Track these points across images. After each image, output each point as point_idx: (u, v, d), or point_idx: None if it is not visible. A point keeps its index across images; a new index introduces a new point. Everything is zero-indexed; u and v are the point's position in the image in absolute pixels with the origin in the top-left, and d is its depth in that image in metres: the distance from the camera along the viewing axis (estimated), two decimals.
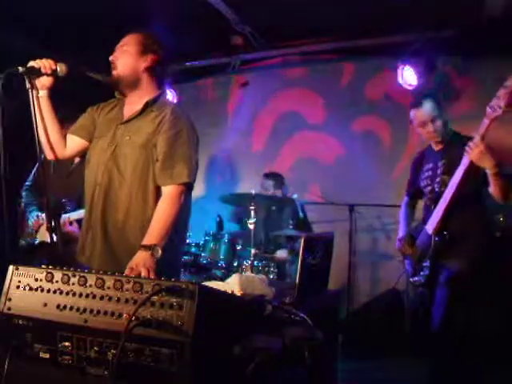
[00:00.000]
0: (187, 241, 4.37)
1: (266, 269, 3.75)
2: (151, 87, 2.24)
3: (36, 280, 1.46)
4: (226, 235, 4.36)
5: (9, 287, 1.48)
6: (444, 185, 2.79)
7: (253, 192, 3.84)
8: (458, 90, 4.57)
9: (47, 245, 3.38)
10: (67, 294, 1.40)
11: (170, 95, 5.54)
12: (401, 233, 3.19)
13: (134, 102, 2.24)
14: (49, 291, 1.42)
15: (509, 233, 3.91)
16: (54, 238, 2.00)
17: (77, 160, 3.31)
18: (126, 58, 2.18)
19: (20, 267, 1.50)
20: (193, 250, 4.34)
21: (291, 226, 4.43)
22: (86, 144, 2.29)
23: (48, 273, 1.45)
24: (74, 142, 2.29)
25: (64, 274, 1.43)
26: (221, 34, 4.62)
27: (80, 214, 3.30)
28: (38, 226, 3.48)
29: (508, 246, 3.87)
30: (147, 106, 2.19)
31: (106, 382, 1.31)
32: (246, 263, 3.69)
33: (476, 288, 2.76)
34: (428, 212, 2.91)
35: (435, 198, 2.84)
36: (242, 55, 5.10)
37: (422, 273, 2.88)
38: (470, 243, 2.76)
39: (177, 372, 1.23)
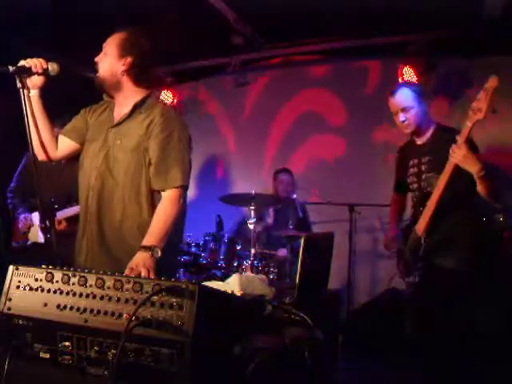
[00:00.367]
0: (188, 240, 4.38)
1: (266, 269, 3.76)
2: (135, 89, 2.21)
3: (36, 280, 1.46)
4: (226, 235, 4.36)
5: (9, 287, 1.48)
6: (430, 184, 2.71)
7: (253, 192, 3.84)
8: (457, 90, 4.57)
9: (40, 245, 3.40)
10: (67, 293, 1.40)
11: (167, 95, 5.55)
12: (390, 232, 3.11)
13: (121, 104, 2.22)
14: (49, 291, 1.42)
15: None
16: (49, 238, 2.00)
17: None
18: (105, 61, 2.17)
19: (20, 267, 1.50)
20: (193, 249, 4.35)
21: (291, 226, 4.44)
22: (76, 146, 2.28)
23: (48, 273, 1.45)
24: (66, 144, 2.28)
25: (64, 274, 1.43)
26: (221, 34, 4.62)
27: (66, 212, 3.31)
28: (28, 228, 3.48)
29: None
30: (135, 108, 2.17)
31: (106, 382, 1.31)
32: (246, 263, 3.70)
33: (471, 288, 2.71)
34: (416, 211, 2.84)
35: (422, 198, 2.76)
36: (241, 55, 5.10)
37: (416, 273, 2.82)
38: (462, 244, 2.70)
39: (177, 372, 1.23)
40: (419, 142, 2.89)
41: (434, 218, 2.65)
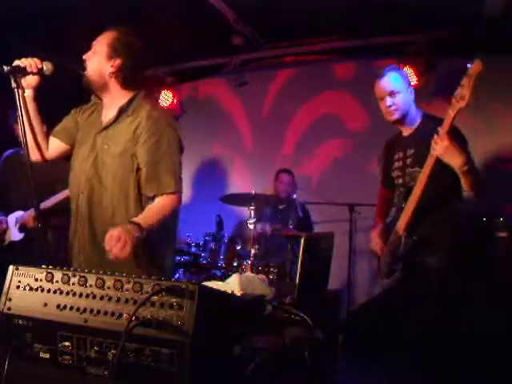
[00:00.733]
0: (188, 240, 4.38)
1: (266, 269, 3.75)
2: (121, 91, 2.16)
3: (36, 280, 1.45)
4: (226, 235, 4.37)
5: (9, 287, 1.48)
6: (413, 178, 2.53)
7: (253, 192, 3.84)
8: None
9: (16, 244, 3.41)
10: (67, 293, 1.40)
11: (167, 95, 5.55)
12: (375, 231, 2.90)
13: (108, 106, 2.18)
14: (49, 291, 1.42)
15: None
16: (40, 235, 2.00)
17: None
18: (94, 60, 2.12)
19: (20, 267, 1.50)
20: (193, 249, 4.35)
21: (291, 226, 4.44)
22: (66, 147, 2.26)
23: (48, 273, 1.45)
24: (56, 145, 2.26)
25: (64, 274, 1.43)
26: (221, 34, 4.62)
27: (46, 204, 3.30)
28: (4, 230, 3.49)
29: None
30: (121, 111, 2.13)
31: (106, 382, 1.31)
32: (246, 263, 3.70)
33: (454, 288, 2.56)
34: (400, 208, 2.65)
35: (406, 193, 2.58)
36: (242, 55, 5.11)
37: (394, 274, 2.68)
38: (445, 243, 2.55)
39: (177, 372, 1.23)
40: (405, 133, 2.71)
41: (415, 215, 2.49)
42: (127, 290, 1.34)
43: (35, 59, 1.99)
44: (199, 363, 1.23)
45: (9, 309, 1.45)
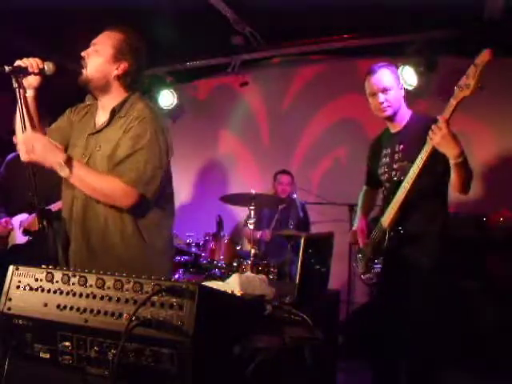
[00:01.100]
0: (188, 240, 4.38)
1: (266, 269, 3.75)
2: (122, 94, 2.13)
3: (36, 280, 1.45)
4: (226, 235, 4.37)
5: (9, 287, 1.48)
6: (404, 172, 2.52)
7: (253, 192, 3.84)
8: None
9: (19, 247, 3.40)
10: (67, 294, 1.40)
11: (168, 95, 5.55)
12: (357, 223, 2.90)
13: (104, 107, 2.14)
14: (49, 291, 1.42)
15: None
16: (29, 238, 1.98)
17: None
18: (96, 60, 2.06)
19: (20, 267, 1.50)
20: (193, 249, 4.35)
21: (291, 226, 4.44)
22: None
23: (48, 273, 1.45)
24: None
25: (64, 274, 1.43)
26: (221, 33, 4.62)
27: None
28: (8, 232, 3.48)
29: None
30: (114, 113, 2.09)
31: (106, 382, 1.31)
32: (246, 263, 3.70)
33: (443, 283, 2.57)
34: (386, 203, 2.65)
35: (394, 188, 2.56)
36: (242, 55, 5.11)
37: (374, 270, 2.69)
38: (433, 238, 2.55)
39: (177, 372, 1.23)
40: (393, 130, 2.73)
41: (402, 210, 2.50)
42: (127, 290, 1.34)
43: (36, 59, 1.97)
44: (199, 363, 1.23)
45: (9, 309, 1.45)
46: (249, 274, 3.13)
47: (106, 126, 2.11)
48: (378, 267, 2.70)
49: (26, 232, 3.43)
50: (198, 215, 5.34)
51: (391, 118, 2.69)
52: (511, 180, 4.43)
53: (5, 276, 1.48)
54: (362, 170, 3.12)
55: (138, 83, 2.18)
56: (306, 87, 5.49)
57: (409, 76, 4.46)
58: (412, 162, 2.46)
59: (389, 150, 2.74)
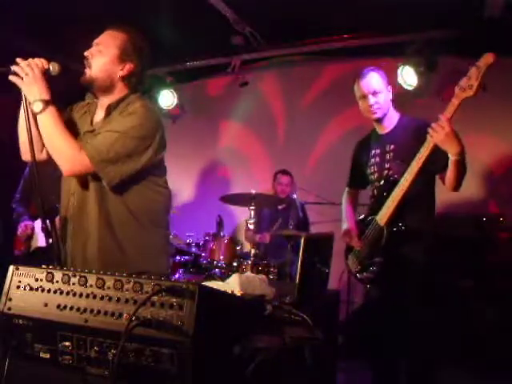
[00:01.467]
0: (188, 240, 4.37)
1: (266, 269, 3.76)
2: (124, 94, 2.11)
3: (36, 280, 1.46)
4: (226, 235, 4.37)
5: (9, 287, 1.48)
6: (398, 171, 2.59)
7: (253, 192, 3.84)
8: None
9: (42, 249, 3.40)
10: (67, 293, 1.40)
11: (168, 95, 5.55)
12: (347, 225, 2.92)
13: (104, 106, 2.12)
14: (49, 291, 1.42)
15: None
16: (50, 240, 1.96)
17: None
18: (101, 60, 2.04)
19: (20, 267, 1.50)
20: (193, 249, 4.36)
21: (291, 226, 4.44)
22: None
23: (48, 273, 1.45)
24: None
25: (64, 274, 1.43)
26: (221, 33, 4.63)
27: None
28: (29, 235, 3.49)
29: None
30: (110, 110, 2.08)
31: (106, 382, 1.31)
32: (246, 263, 3.70)
33: (441, 279, 2.64)
34: (378, 202, 2.70)
35: (388, 186, 2.62)
36: (242, 55, 5.11)
37: (371, 268, 2.69)
38: (426, 238, 2.61)
39: (177, 372, 1.23)
40: (383, 131, 2.80)
41: (399, 207, 2.54)
42: (127, 290, 1.34)
43: (42, 59, 1.94)
44: (199, 363, 1.23)
45: (9, 309, 1.45)
46: (249, 274, 3.13)
47: (99, 124, 2.10)
48: (375, 268, 2.70)
49: (45, 233, 3.44)
50: (198, 215, 5.35)
51: (380, 120, 2.77)
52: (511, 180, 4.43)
53: None
54: None
55: (141, 84, 2.17)
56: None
57: (409, 76, 4.46)
58: (403, 161, 2.56)
59: (378, 151, 2.81)
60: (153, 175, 2.12)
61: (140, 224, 2.08)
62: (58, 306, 1.39)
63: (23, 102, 1.93)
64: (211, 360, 1.29)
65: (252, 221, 3.77)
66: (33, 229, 3.51)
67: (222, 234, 4.43)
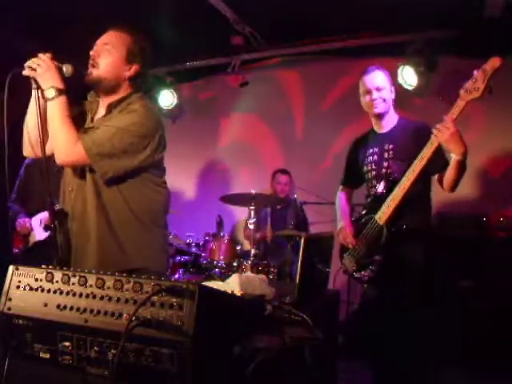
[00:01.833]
0: (188, 240, 4.37)
1: (266, 269, 3.76)
2: (126, 93, 2.12)
3: (36, 280, 1.46)
4: (226, 235, 4.37)
5: (9, 287, 1.48)
6: (397, 170, 2.63)
7: (253, 192, 3.84)
8: (458, 89, 4.57)
9: (40, 244, 3.42)
10: (67, 294, 1.40)
11: (168, 95, 5.55)
12: (343, 223, 2.92)
13: (105, 106, 2.13)
14: (49, 291, 1.42)
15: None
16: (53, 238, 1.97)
17: None
18: (109, 60, 2.04)
19: (20, 267, 1.50)
20: (193, 249, 4.35)
21: (291, 226, 4.44)
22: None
23: (48, 273, 1.45)
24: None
25: (64, 274, 1.43)
26: (221, 33, 4.62)
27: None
28: (27, 231, 3.52)
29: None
30: (111, 108, 2.08)
31: (106, 382, 1.31)
32: (246, 263, 3.70)
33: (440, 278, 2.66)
34: (375, 200, 2.72)
35: (387, 185, 2.66)
36: (242, 55, 5.11)
37: (369, 267, 2.69)
38: (425, 237, 2.64)
39: (177, 372, 1.23)
40: (381, 130, 2.85)
41: (400, 207, 2.56)
42: (127, 290, 1.34)
43: (54, 61, 1.96)
44: (199, 363, 1.23)
45: (9, 309, 1.45)
46: (249, 274, 3.14)
47: (99, 120, 2.11)
48: (374, 267, 2.69)
49: (47, 227, 3.47)
50: (198, 215, 5.35)
51: (381, 117, 2.81)
52: (511, 180, 4.43)
53: None
54: None
55: (145, 84, 2.19)
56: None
57: (409, 76, 4.46)
58: (401, 160, 2.60)
59: (376, 149, 2.82)
60: (152, 175, 2.12)
61: (141, 223, 2.08)
62: (58, 306, 1.39)
63: (35, 99, 1.95)
64: (211, 360, 1.28)
65: (252, 221, 3.77)
66: (30, 224, 3.55)
67: (221, 234, 4.43)
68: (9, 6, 3.80)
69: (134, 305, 1.30)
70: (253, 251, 3.71)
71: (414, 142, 2.60)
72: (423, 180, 2.59)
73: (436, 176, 2.64)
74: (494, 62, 2.27)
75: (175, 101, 5.62)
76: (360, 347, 3.87)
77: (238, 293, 1.85)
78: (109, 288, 1.36)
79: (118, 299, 1.33)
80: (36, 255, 3.36)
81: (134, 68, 2.09)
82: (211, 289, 1.42)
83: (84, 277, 1.40)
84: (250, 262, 3.66)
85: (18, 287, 1.47)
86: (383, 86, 2.76)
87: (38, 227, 3.52)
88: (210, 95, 6.00)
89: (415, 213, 2.62)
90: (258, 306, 1.66)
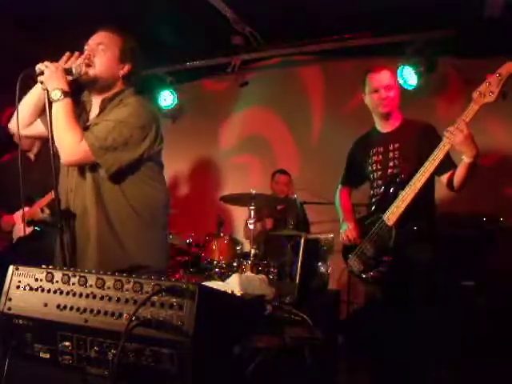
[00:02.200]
0: (188, 240, 4.37)
1: (266, 269, 3.75)
2: (119, 89, 2.16)
3: (36, 280, 1.46)
4: (226, 235, 4.36)
5: (9, 287, 1.48)
6: (404, 171, 2.62)
7: (253, 192, 3.84)
8: (457, 89, 4.58)
9: (25, 239, 3.43)
10: (67, 294, 1.40)
11: (168, 95, 5.55)
12: (349, 222, 2.89)
13: (99, 104, 2.16)
14: (49, 291, 1.42)
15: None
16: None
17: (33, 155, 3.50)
18: (105, 59, 2.09)
19: (20, 267, 1.50)
20: (193, 249, 4.35)
21: (291, 226, 4.44)
22: (44, 135, 2.14)
23: (48, 273, 1.45)
24: (39, 128, 2.17)
25: (64, 274, 1.43)
26: (221, 33, 4.62)
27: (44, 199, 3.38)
28: (11, 227, 3.51)
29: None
30: (105, 103, 2.12)
31: (106, 382, 1.31)
32: (246, 263, 3.69)
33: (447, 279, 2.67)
34: (382, 201, 2.70)
35: (394, 186, 2.65)
36: (242, 55, 5.11)
37: (378, 268, 2.68)
38: (432, 239, 2.64)
39: (177, 372, 1.23)
40: (385, 130, 2.84)
41: (410, 208, 2.55)
42: (127, 290, 1.34)
43: (60, 63, 2.01)
44: (199, 363, 1.23)
45: (9, 309, 1.45)
46: (249, 274, 3.14)
47: (97, 117, 2.13)
48: (382, 268, 2.67)
49: (30, 222, 3.46)
50: (198, 215, 5.34)
51: (387, 116, 2.79)
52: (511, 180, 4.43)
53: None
54: None
55: (138, 82, 2.22)
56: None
57: (409, 76, 4.46)
58: (406, 160, 2.60)
59: (381, 149, 2.81)
60: (152, 171, 2.15)
61: (142, 220, 2.10)
62: (58, 306, 1.39)
63: (47, 106, 1.97)
64: (211, 360, 1.29)
65: (252, 221, 3.76)
66: (13, 220, 3.54)
67: (221, 234, 4.43)
68: (9, 5, 3.80)
69: (134, 305, 1.30)
70: (253, 251, 3.70)
71: (419, 141, 2.60)
72: (430, 181, 2.60)
73: (443, 177, 2.63)
74: (510, 67, 2.27)
75: (175, 101, 5.62)
76: (360, 347, 3.88)
77: (238, 293, 1.85)
78: (109, 288, 1.36)
79: (118, 299, 1.33)
80: (24, 250, 3.35)
81: (127, 67, 2.15)
82: (211, 289, 1.42)
83: (84, 277, 1.40)
84: (249, 262, 3.65)
85: (18, 287, 1.47)
86: (392, 85, 2.77)
87: (20, 223, 3.51)
88: (210, 95, 6.00)
89: (424, 214, 2.62)
90: (258, 305, 1.66)
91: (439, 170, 2.55)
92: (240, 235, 5.03)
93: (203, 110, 5.94)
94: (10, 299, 1.46)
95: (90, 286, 1.38)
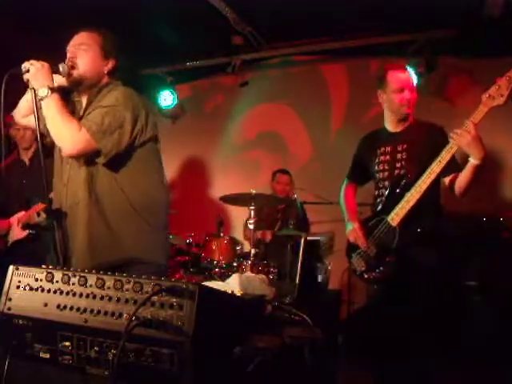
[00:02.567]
0: (188, 240, 4.37)
1: (266, 269, 3.75)
2: (106, 83, 2.22)
3: (36, 280, 1.46)
4: (226, 235, 4.36)
5: (9, 287, 1.48)
6: (411, 172, 2.60)
7: (253, 192, 3.84)
8: (457, 89, 4.58)
9: (20, 243, 3.43)
10: (67, 293, 1.40)
11: (168, 95, 5.55)
12: (354, 223, 2.85)
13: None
14: (49, 291, 1.42)
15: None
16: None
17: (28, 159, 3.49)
18: (88, 59, 2.14)
19: (20, 267, 1.50)
20: (193, 249, 4.35)
21: (291, 226, 4.44)
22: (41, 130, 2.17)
23: (48, 273, 1.45)
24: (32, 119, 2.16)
25: (64, 274, 1.43)
26: (221, 33, 4.62)
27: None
28: (6, 230, 3.52)
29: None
30: (93, 97, 2.17)
31: (106, 382, 1.31)
32: (246, 263, 3.69)
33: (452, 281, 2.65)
34: (388, 201, 2.68)
35: (400, 186, 2.63)
36: (241, 55, 5.11)
37: (380, 269, 2.67)
38: (437, 240, 2.61)
39: (177, 372, 1.23)
40: (394, 129, 2.79)
41: (415, 209, 2.53)
42: (127, 290, 1.34)
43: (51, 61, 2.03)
44: (199, 363, 1.23)
45: (9, 309, 1.45)
46: (249, 274, 3.13)
47: (84, 114, 2.17)
48: (385, 268, 2.66)
49: (25, 226, 3.46)
50: (198, 215, 5.34)
51: (406, 118, 2.74)
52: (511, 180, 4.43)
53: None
54: None
55: (124, 76, 2.28)
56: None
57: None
58: (414, 161, 2.57)
59: (389, 148, 2.76)
60: (148, 161, 2.19)
61: (140, 216, 2.12)
62: (58, 306, 1.39)
63: (32, 100, 1.99)
64: (211, 360, 1.28)
65: (252, 221, 3.76)
66: (9, 223, 3.55)
67: (221, 234, 4.43)
68: (9, 5, 3.80)
69: (134, 305, 1.30)
70: (253, 251, 3.70)
71: (427, 143, 2.58)
72: (436, 182, 2.57)
73: (446, 179, 2.61)
74: None
75: (175, 101, 5.62)
76: (360, 347, 3.87)
77: (238, 293, 1.85)
78: (109, 288, 1.36)
79: (118, 299, 1.33)
80: (19, 253, 3.36)
81: (111, 63, 2.21)
82: (211, 289, 1.42)
83: (84, 277, 1.40)
84: (249, 262, 3.64)
85: (18, 287, 1.47)
86: (415, 87, 2.74)
87: (16, 226, 3.52)
88: (210, 95, 6.00)
89: (428, 215, 2.60)
90: (257, 305, 1.66)
91: (444, 172, 2.53)
92: (240, 235, 5.03)
93: (203, 110, 5.94)
94: (10, 299, 1.46)
95: (90, 285, 1.39)
